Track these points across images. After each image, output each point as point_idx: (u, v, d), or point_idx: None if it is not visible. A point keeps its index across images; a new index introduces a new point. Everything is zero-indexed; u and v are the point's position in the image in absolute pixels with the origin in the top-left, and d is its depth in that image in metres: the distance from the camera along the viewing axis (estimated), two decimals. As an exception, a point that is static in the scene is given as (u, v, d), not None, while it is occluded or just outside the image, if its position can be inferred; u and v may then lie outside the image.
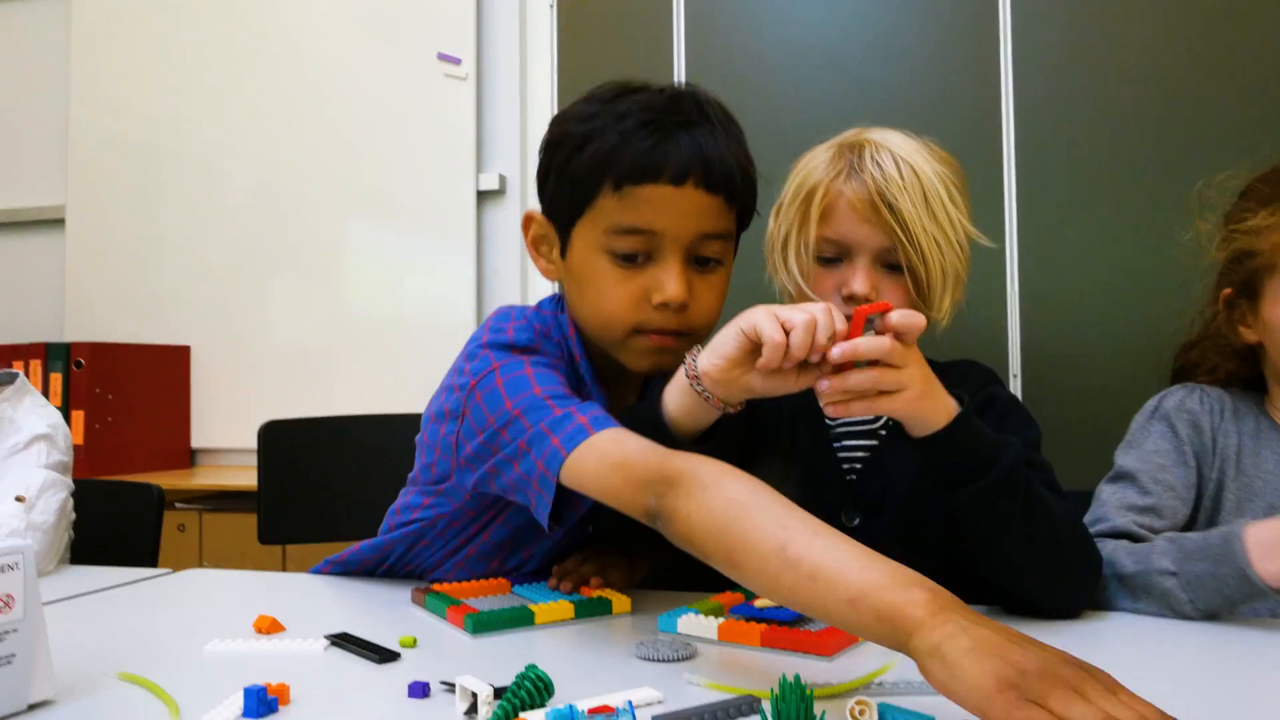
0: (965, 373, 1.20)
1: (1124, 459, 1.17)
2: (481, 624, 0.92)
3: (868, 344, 0.87)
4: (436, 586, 1.05)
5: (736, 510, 0.76)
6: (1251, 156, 1.17)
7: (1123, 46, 1.89)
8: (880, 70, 2.01)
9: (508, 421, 0.94)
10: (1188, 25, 1.86)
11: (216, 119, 2.59)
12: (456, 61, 2.41)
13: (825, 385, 0.87)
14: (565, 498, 0.92)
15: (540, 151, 1.05)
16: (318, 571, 1.23)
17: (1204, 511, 1.14)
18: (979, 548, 0.95)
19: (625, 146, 0.95)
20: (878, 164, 1.08)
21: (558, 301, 1.11)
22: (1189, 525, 1.14)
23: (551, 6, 2.32)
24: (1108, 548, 1.03)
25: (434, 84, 2.43)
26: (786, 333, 0.85)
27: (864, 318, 0.88)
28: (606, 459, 0.87)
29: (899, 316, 0.88)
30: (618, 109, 0.97)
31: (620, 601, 0.99)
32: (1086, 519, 1.10)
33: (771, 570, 0.71)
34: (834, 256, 1.11)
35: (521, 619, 0.94)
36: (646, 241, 0.97)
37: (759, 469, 1.10)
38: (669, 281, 0.97)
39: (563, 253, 1.04)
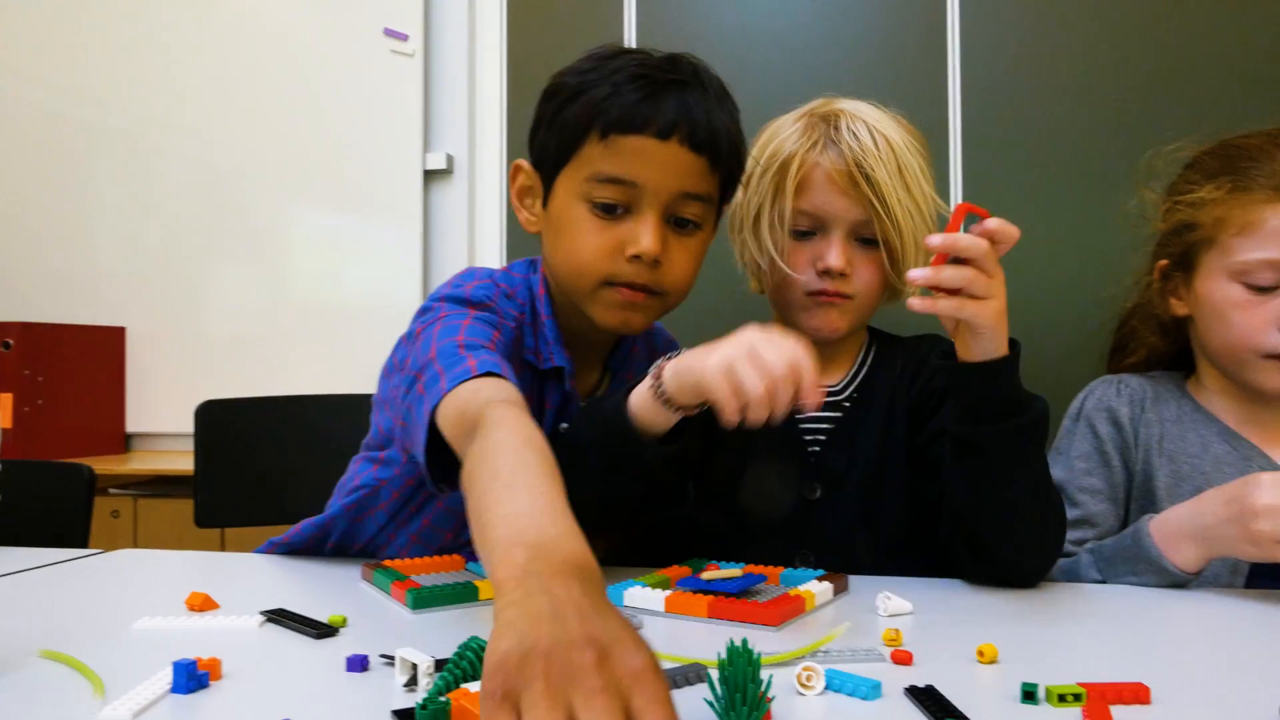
0: (936, 345, 1.19)
1: (1051, 469, 1.19)
2: (423, 599, 0.90)
3: (969, 240, 0.86)
4: (388, 563, 1.03)
5: (480, 461, 0.70)
6: (1197, 131, 1.18)
7: (1068, 33, 1.92)
8: (829, 55, 2.02)
9: (423, 366, 0.91)
10: (1130, 11, 1.89)
11: (152, 93, 2.52)
12: (404, 37, 2.37)
13: (918, 274, 0.86)
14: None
15: (536, 106, 1.04)
16: (261, 554, 1.20)
17: (1136, 502, 1.16)
18: (986, 490, 0.95)
19: (615, 98, 0.95)
20: (854, 134, 1.07)
21: (531, 264, 1.10)
22: (1127, 517, 1.16)
23: (500, -17, 2.29)
24: None
25: (380, 60, 2.38)
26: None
27: (965, 212, 0.86)
28: (459, 402, 0.82)
29: (997, 223, 0.87)
30: (613, 64, 0.97)
31: None
32: None
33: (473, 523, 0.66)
34: (808, 229, 1.09)
35: (465, 595, 0.92)
36: (627, 193, 0.97)
37: (722, 444, 1.09)
38: (644, 234, 0.96)
39: (545, 202, 1.03)
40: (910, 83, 1.97)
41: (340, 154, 2.41)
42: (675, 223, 1.00)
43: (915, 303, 0.87)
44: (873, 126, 1.07)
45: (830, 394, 1.14)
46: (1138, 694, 0.64)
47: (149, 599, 0.96)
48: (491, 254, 2.37)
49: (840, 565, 1.02)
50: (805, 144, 1.08)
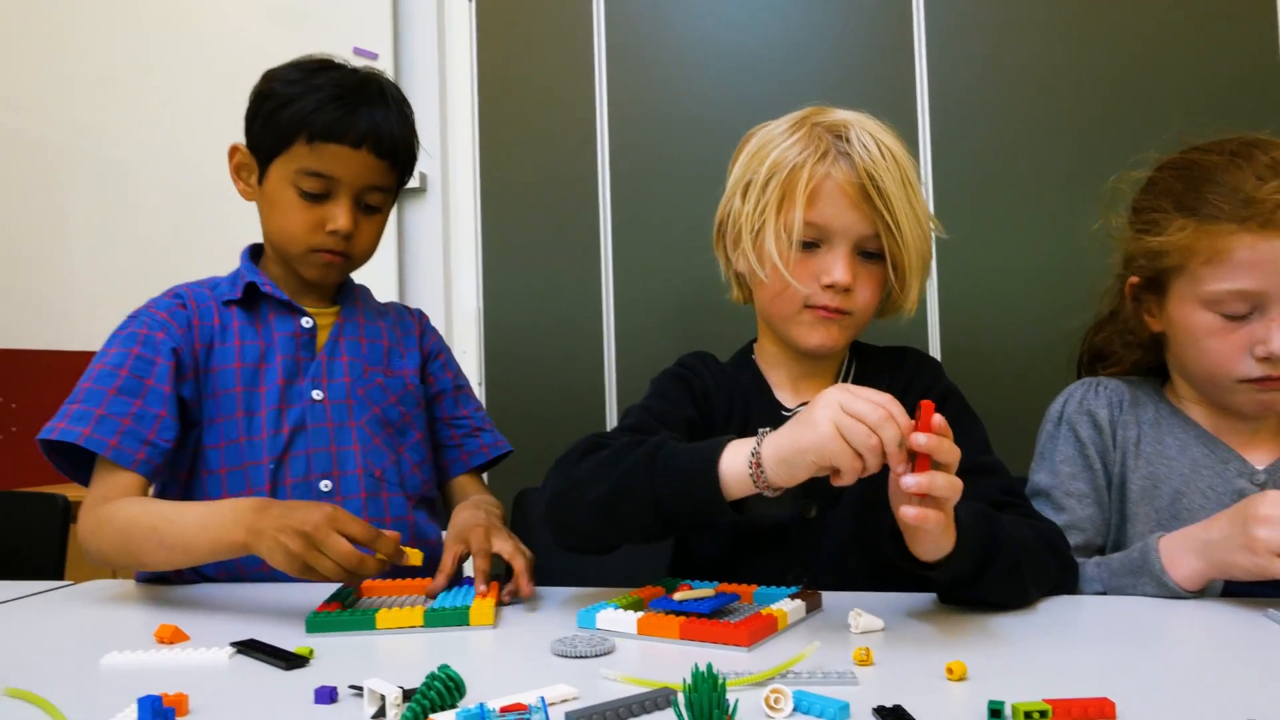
0: (920, 362, 1.20)
1: (1036, 475, 1.20)
2: (318, 625, 0.92)
3: (951, 447, 0.81)
4: (368, 585, 1.05)
5: (130, 528, 1.09)
6: (1166, 131, 1.17)
7: (1036, 36, 1.93)
8: (796, 68, 2.03)
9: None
10: (1100, 12, 1.91)
11: (127, 112, 2.50)
12: (373, 56, 2.36)
13: (913, 481, 0.79)
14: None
15: (250, 98, 1.28)
16: (230, 583, 1.19)
17: (1113, 504, 1.16)
18: (993, 604, 0.96)
19: (321, 112, 1.21)
20: (864, 146, 1.06)
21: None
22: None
23: (470, 1, 2.29)
24: None
25: (351, 80, 2.37)
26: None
27: (932, 410, 0.81)
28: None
29: (942, 421, 0.82)
30: (317, 81, 1.23)
31: (480, 612, 0.94)
32: None
33: (160, 555, 1.08)
34: (812, 241, 1.08)
35: (361, 624, 0.93)
36: (326, 185, 1.24)
37: None
38: (339, 215, 1.24)
39: (260, 180, 1.27)
40: (878, 92, 1.99)
41: (314, 174, 2.40)
42: (364, 208, 1.27)
43: (909, 514, 0.80)
44: (878, 138, 1.07)
45: None
46: (1103, 709, 0.64)
47: (119, 632, 0.96)
48: (467, 272, 2.36)
49: (833, 584, 1.01)
50: (813, 154, 1.06)
